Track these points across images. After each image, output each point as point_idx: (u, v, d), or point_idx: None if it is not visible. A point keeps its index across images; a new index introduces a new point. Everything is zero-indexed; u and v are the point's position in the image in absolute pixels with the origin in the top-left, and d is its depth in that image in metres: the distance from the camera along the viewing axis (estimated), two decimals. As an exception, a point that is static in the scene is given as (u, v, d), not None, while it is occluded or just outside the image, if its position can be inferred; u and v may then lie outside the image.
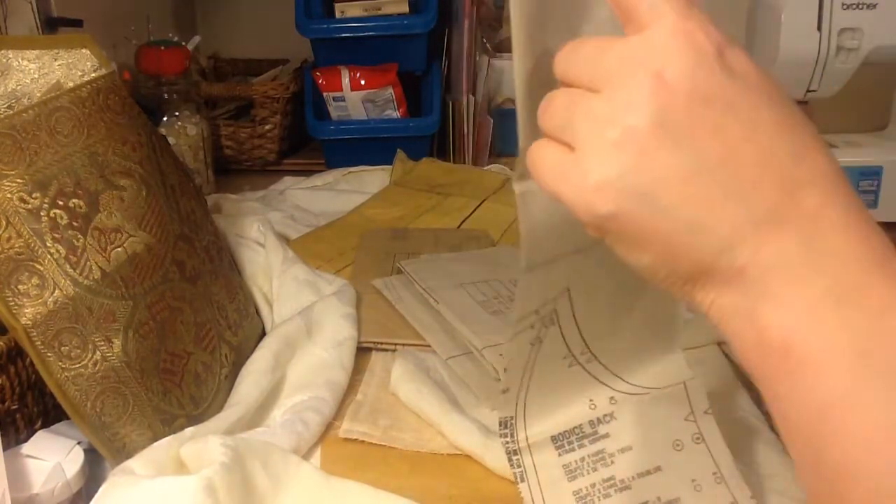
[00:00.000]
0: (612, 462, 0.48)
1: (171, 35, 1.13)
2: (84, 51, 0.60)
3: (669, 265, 0.30)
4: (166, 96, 1.06)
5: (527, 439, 0.48)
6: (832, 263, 0.28)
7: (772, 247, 0.28)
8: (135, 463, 0.51)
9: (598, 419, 0.49)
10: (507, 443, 0.49)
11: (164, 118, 1.06)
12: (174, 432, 0.55)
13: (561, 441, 0.48)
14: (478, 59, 1.21)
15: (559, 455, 0.48)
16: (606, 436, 0.49)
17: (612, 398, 0.49)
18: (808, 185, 0.28)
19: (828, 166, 0.29)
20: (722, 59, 0.29)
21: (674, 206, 0.29)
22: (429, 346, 0.70)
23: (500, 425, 0.49)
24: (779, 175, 0.28)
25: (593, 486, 0.48)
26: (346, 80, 1.19)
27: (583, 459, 0.48)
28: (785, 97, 0.30)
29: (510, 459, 0.49)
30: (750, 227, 0.28)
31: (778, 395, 0.29)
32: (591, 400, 0.49)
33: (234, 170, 1.26)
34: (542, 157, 0.31)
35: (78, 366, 0.51)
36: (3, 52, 0.56)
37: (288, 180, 1.17)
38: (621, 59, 0.29)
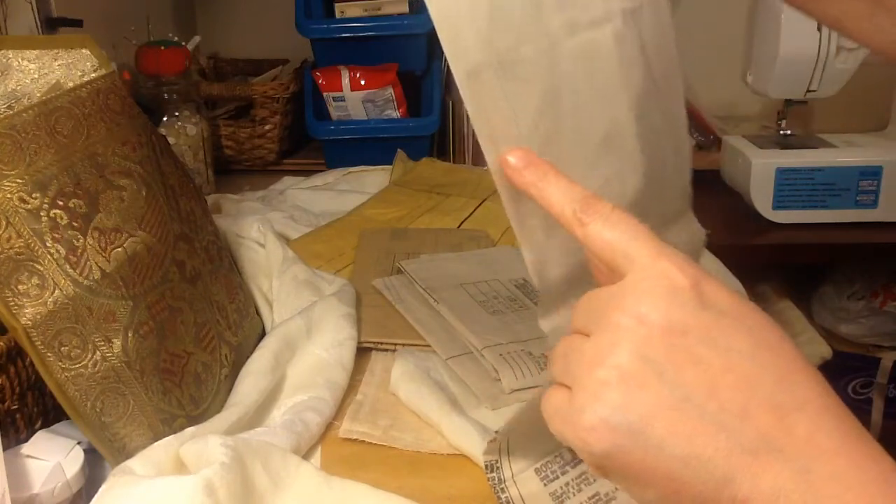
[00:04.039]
0: (595, 479, 0.50)
1: (171, 35, 1.13)
2: (84, 51, 0.60)
3: (674, 499, 0.30)
4: (166, 96, 1.06)
5: (513, 476, 0.50)
6: (830, 491, 0.28)
7: (769, 476, 0.28)
8: (135, 463, 0.51)
9: None
10: (494, 482, 0.50)
11: (164, 118, 1.06)
12: (174, 432, 0.55)
13: (545, 472, 0.50)
14: (478, 59, 1.21)
15: (545, 485, 0.50)
16: None
17: None
18: (796, 412, 0.29)
19: (814, 389, 0.30)
20: (696, 291, 0.30)
21: (666, 440, 0.29)
22: (429, 346, 0.70)
23: (486, 468, 0.51)
24: (765, 401, 0.29)
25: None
26: (346, 80, 1.19)
27: (567, 484, 0.50)
28: (763, 322, 0.31)
29: (499, 498, 0.50)
30: (745, 457, 0.29)
31: None
32: None
33: (234, 170, 1.26)
34: (548, 401, 0.33)
35: (78, 366, 0.51)
36: (3, 52, 0.56)
37: (288, 180, 1.17)
38: (605, 305, 0.31)
